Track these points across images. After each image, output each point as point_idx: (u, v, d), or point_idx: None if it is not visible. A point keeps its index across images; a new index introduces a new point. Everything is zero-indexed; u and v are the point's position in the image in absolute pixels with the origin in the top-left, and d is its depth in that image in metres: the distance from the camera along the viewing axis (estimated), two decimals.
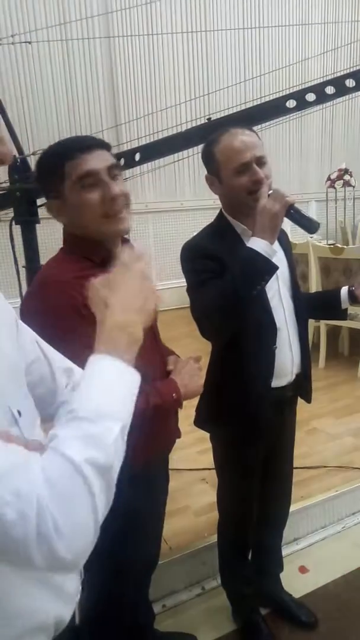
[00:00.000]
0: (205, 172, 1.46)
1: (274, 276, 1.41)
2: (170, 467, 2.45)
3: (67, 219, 1.14)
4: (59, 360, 0.86)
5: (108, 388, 0.61)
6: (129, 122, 4.88)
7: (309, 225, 1.32)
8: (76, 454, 0.54)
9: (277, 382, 1.48)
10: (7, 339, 0.72)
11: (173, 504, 2.18)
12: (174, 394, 1.19)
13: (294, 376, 1.53)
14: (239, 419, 1.49)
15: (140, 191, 5.50)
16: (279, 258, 1.41)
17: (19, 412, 0.67)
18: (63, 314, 1.03)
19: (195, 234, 1.54)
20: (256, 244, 1.29)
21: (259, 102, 3.08)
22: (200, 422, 1.62)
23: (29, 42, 3.86)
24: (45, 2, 4.85)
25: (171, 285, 5.48)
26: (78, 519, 0.54)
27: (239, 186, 1.37)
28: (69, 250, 1.18)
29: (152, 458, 1.27)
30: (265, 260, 1.29)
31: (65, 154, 1.10)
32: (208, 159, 1.43)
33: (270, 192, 1.32)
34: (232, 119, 2.79)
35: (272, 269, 1.31)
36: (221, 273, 1.34)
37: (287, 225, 1.40)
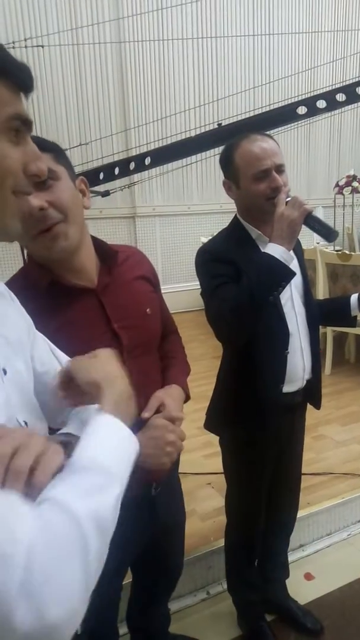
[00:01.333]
0: (222, 177, 1.46)
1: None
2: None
3: None
4: None
5: (115, 448, 0.60)
6: (138, 126, 4.92)
7: (328, 234, 1.33)
8: (79, 506, 0.50)
9: (288, 388, 1.48)
10: (20, 355, 0.73)
11: None
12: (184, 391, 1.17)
13: (304, 382, 1.53)
14: (249, 424, 1.49)
15: (148, 195, 5.53)
16: (293, 265, 1.42)
17: (25, 423, 0.68)
18: None
19: (202, 238, 1.55)
20: (274, 249, 1.30)
21: (267, 109, 3.10)
22: (210, 425, 1.62)
23: (42, 46, 3.90)
24: (58, 7, 4.90)
25: (178, 289, 5.51)
26: (69, 576, 0.47)
27: (258, 193, 1.37)
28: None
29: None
30: (282, 266, 1.29)
31: None
32: (227, 163, 1.43)
33: (289, 199, 1.33)
34: (243, 124, 2.81)
35: (289, 275, 1.32)
36: (236, 278, 1.34)
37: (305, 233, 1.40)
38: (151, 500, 1.20)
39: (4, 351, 0.68)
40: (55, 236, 0.95)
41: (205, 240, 1.56)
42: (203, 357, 3.58)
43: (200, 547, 1.98)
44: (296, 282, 1.48)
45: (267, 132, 1.46)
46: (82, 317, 1.01)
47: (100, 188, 3.46)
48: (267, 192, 1.36)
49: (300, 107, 2.79)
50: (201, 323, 4.32)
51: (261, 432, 1.50)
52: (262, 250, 1.33)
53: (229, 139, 2.92)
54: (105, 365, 0.70)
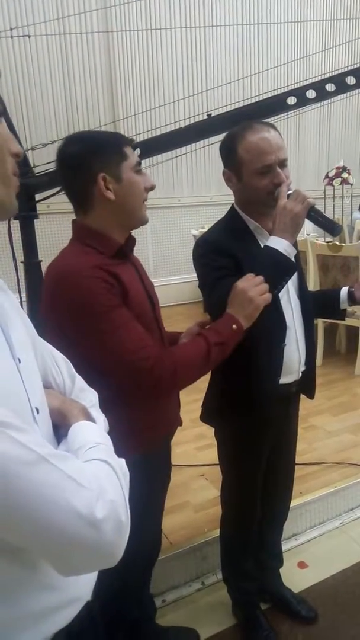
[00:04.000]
0: (223, 167, 1.44)
1: None
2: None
3: (120, 199, 1.18)
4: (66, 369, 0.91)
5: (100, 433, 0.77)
6: (127, 117, 4.87)
7: (332, 227, 1.32)
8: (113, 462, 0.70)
9: (284, 379, 1.49)
10: (30, 348, 0.77)
11: (173, 499, 2.19)
12: (233, 326, 1.22)
13: (300, 373, 1.54)
14: (246, 415, 1.50)
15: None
16: None
17: (37, 410, 0.71)
18: (95, 296, 1.08)
19: (193, 230, 1.55)
20: (277, 243, 1.29)
21: (257, 99, 3.08)
22: (206, 417, 1.63)
23: (28, 36, 3.84)
24: None
25: (169, 282, 5.50)
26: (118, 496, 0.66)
27: (260, 187, 1.36)
28: (82, 243, 1.20)
29: (154, 442, 1.29)
30: (286, 259, 1.29)
31: (122, 139, 1.21)
32: (228, 154, 1.40)
33: (290, 192, 1.32)
34: (232, 115, 2.80)
35: (293, 268, 1.32)
36: (235, 270, 1.34)
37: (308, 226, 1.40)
38: (169, 454, 1.45)
39: (18, 340, 0.72)
40: None
41: (196, 233, 1.56)
42: None
43: (194, 538, 1.99)
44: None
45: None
46: (133, 277, 1.23)
47: None
48: (270, 187, 1.35)
49: (289, 98, 2.78)
50: (193, 315, 4.31)
51: (257, 423, 1.51)
52: (265, 244, 1.32)
53: (218, 129, 2.91)
54: (55, 396, 0.82)
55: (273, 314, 1.41)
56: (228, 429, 1.61)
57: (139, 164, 1.22)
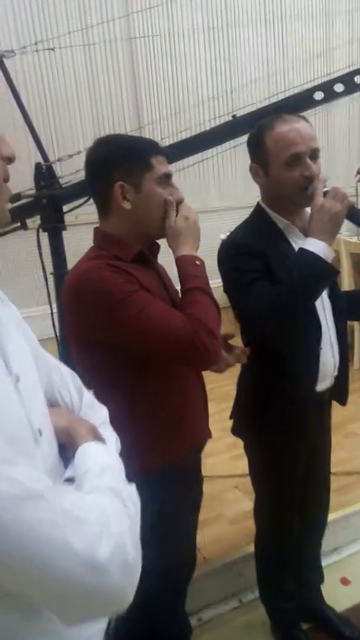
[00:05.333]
0: (249, 161, 1.38)
1: None
2: (202, 474, 2.39)
3: (138, 210, 1.15)
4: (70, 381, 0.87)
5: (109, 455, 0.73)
6: (152, 123, 4.85)
7: None
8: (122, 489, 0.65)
9: (320, 386, 1.42)
10: (31, 364, 0.73)
11: (206, 512, 2.11)
12: (196, 262, 1.17)
13: (333, 379, 1.45)
14: (283, 425, 1.43)
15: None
16: None
17: (40, 431, 0.66)
18: (112, 286, 1.06)
19: (221, 235, 1.49)
20: (315, 245, 1.22)
21: (283, 96, 3.00)
22: (237, 430, 1.56)
23: (52, 49, 3.87)
24: (68, 7, 4.86)
25: None
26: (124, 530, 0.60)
27: (289, 180, 1.29)
28: (99, 248, 1.19)
29: (182, 455, 1.23)
30: (325, 264, 1.21)
31: (151, 148, 1.16)
32: (256, 145, 1.34)
33: (326, 189, 1.24)
34: (258, 114, 2.72)
35: (332, 273, 1.24)
36: (266, 272, 1.27)
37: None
38: (199, 467, 1.40)
39: (17, 355, 0.67)
40: None
41: (224, 237, 1.50)
42: None
43: (230, 553, 1.92)
44: None
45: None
46: (155, 283, 1.19)
47: None
48: (301, 181, 1.27)
49: (317, 93, 2.68)
50: (222, 320, 4.26)
51: (292, 435, 1.44)
52: (301, 246, 1.24)
53: (244, 129, 2.83)
54: (62, 415, 0.77)
55: (306, 316, 1.33)
56: (262, 441, 1.53)
57: (168, 176, 1.18)
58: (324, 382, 1.43)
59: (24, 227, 3.38)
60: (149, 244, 1.24)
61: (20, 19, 4.74)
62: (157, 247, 1.28)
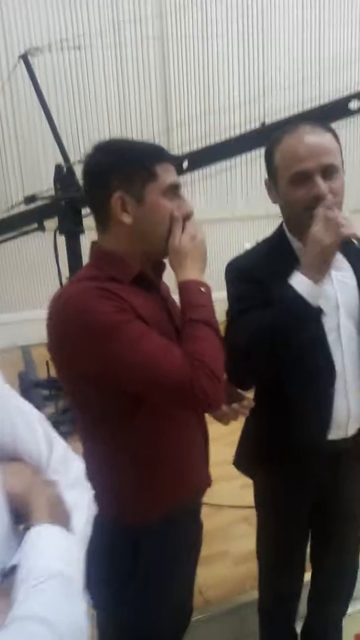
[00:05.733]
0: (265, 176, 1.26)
1: (335, 305, 1.19)
2: (209, 501, 2.24)
3: (140, 225, 1.02)
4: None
5: (63, 551, 0.60)
6: (180, 125, 4.74)
7: None
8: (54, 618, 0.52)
9: (333, 435, 1.26)
10: None
11: (210, 547, 1.97)
12: (201, 289, 1.03)
13: (351, 430, 1.28)
14: (282, 471, 1.30)
15: (191, 200, 5.33)
16: (344, 283, 1.20)
17: None
18: (102, 315, 0.93)
19: (246, 244, 1.36)
20: (298, 283, 1.07)
21: (317, 105, 2.86)
22: (239, 466, 1.42)
23: (78, 47, 3.81)
24: (100, 5, 4.79)
25: (219, 297, 5.28)
26: None
27: (293, 200, 1.14)
28: (95, 267, 1.06)
29: (174, 506, 1.09)
30: (304, 304, 1.06)
31: (158, 156, 1.04)
32: (268, 160, 1.22)
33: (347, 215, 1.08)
34: (288, 122, 2.57)
35: (312, 316, 1.09)
36: (263, 300, 1.14)
37: None
38: (198, 518, 1.25)
39: None
40: None
41: (248, 246, 1.38)
42: None
43: (234, 596, 1.77)
44: (348, 305, 1.22)
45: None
46: (155, 310, 1.06)
47: None
48: (307, 201, 1.11)
49: (352, 101, 2.53)
50: None
51: (296, 482, 1.30)
52: (288, 281, 1.10)
53: None
54: (23, 475, 0.65)
55: (318, 353, 1.19)
56: (262, 483, 1.42)
57: (176, 187, 1.05)
58: (337, 431, 1.26)
59: (41, 228, 3.32)
60: (153, 264, 1.11)
61: (50, 15, 4.68)
62: (163, 266, 1.14)
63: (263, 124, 2.64)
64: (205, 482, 1.20)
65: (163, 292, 1.15)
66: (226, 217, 5.53)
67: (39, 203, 2.98)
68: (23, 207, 3.27)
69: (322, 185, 1.10)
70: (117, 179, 1.00)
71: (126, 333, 0.93)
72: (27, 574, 0.54)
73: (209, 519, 2.09)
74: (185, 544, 1.18)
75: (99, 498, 1.04)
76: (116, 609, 1.13)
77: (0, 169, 4.70)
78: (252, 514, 2.14)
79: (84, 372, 0.98)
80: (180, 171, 3.21)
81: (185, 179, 4.10)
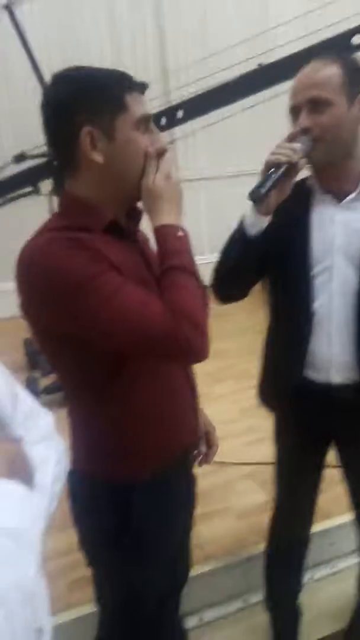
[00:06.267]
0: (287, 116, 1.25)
1: (330, 246, 1.17)
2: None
3: (112, 164, 0.93)
4: None
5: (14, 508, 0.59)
6: (178, 70, 4.49)
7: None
8: None
9: (315, 375, 1.25)
10: None
11: (212, 503, 1.99)
12: (177, 233, 0.95)
13: (336, 377, 1.24)
14: (280, 406, 1.38)
15: (191, 156, 5.13)
16: (351, 226, 1.17)
17: None
18: (72, 268, 0.86)
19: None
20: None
21: (321, 40, 2.66)
22: (259, 398, 1.43)
23: None
24: None
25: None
26: None
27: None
28: (63, 216, 0.99)
29: (160, 463, 1.06)
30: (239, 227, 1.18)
31: (126, 84, 0.93)
32: None
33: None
34: (285, 63, 2.41)
35: (236, 237, 1.19)
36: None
37: None
38: (189, 472, 1.23)
39: None
40: None
41: None
42: (247, 332, 3.27)
43: (236, 551, 1.79)
44: (350, 249, 1.18)
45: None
46: (133, 259, 1.00)
47: None
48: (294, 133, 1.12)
49: (355, 36, 2.36)
50: (253, 300, 4.00)
51: (306, 419, 1.31)
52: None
53: (274, 80, 2.54)
54: None
55: (301, 290, 1.20)
56: (277, 413, 1.43)
57: (147, 119, 0.96)
58: (319, 373, 1.24)
59: (36, 191, 3.22)
60: (128, 210, 1.03)
61: None
62: (139, 213, 1.06)
63: (260, 65, 2.48)
64: (195, 435, 1.18)
65: (140, 241, 1.08)
66: (230, 174, 5.32)
67: (30, 163, 2.87)
68: (14, 169, 3.15)
69: (301, 119, 1.11)
70: (84, 112, 0.89)
71: (101, 286, 0.86)
72: None
73: (212, 476, 2.11)
74: (178, 498, 1.16)
75: (87, 456, 1.04)
76: (110, 566, 1.13)
77: None
78: (258, 470, 2.16)
79: (59, 332, 0.92)
80: (174, 123, 3.05)
81: (185, 132, 3.92)
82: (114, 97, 0.90)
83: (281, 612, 1.59)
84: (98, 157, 0.91)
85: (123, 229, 0.99)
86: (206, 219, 5.18)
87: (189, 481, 1.25)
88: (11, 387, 0.73)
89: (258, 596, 1.75)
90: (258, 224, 1.14)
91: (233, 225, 1.23)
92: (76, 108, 0.90)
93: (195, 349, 0.89)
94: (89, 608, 1.57)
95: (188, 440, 1.15)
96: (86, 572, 1.45)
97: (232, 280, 1.25)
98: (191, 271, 0.93)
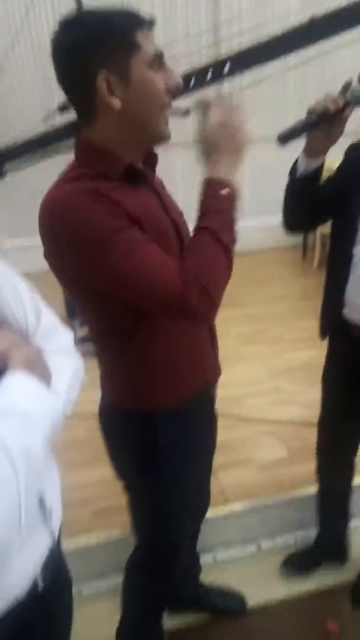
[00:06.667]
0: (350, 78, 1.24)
1: None
2: (237, 413, 2.30)
3: (130, 108, 0.91)
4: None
5: (31, 396, 0.64)
6: (230, 20, 4.30)
7: None
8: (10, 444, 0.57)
9: (351, 317, 1.34)
10: None
11: (235, 454, 2.08)
12: (221, 192, 0.93)
13: None
14: (342, 337, 1.42)
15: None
16: None
17: None
18: (93, 222, 0.87)
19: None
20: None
21: None
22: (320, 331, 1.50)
23: None
24: None
25: (265, 223, 5.04)
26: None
27: None
28: (81, 165, 0.97)
29: (190, 395, 1.14)
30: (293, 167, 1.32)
31: (135, 22, 0.90)
32: None
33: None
34: (340, 14, 2.29)
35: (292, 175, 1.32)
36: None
37: None
38: (210, 409, 1.30)
39: None
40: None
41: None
42: (282, 299, 3.27)
43: (255, 498, 1.86)
44: None
45: None
46: (150, 206, 1.00)
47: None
48: None
49: None
50: (290, 263, 3.89)
51: (342, 358, 1.43)
52: None
53: (327, 32, 2.42)
54: (5, 336, 0.69)
55: (344, 233, 1.30)
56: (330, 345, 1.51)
57: (160, 56, 0.92)
58: (354, 315, 1.33)
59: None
60: (145, 155, 1.03)
61: None
62: (155, 157, 1.06)
63: (311, 19, 2.36)
64: (215, 372, 1.23)
65: (156, 185, 1.08)
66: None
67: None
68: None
69: None
70: (98, 56, 0.87)
71: (123, 241, 0.88)
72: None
73: (236, 430, 2.18)
74: (200, 430, 1.24)
75: (115, 390, 1.12)
76: (140, 490, 1.23)
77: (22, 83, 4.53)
78: (280, 429, 2.21)
79: (83, 283, 0.96)
80: (220, 76, 2.95)
81: (234, 87, 3.79)
82: (126, 37, 0.88)
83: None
84: (116, 103, 0.90)
85: (140, 173, 1.00)
86: (249, 180, 5.08)
87: (211, 418, 1.33)
88: (35, 303, 0.78)
89: (271, 543, 1.84)
90: (305, 165, 1.25)
91: (279, 186, 1.36)
92: (90, 52, 0.88)
93: (199, 316, 0.92)
94: (110, 534, 1.70)
95: (208, 375, 1.20)
96: (110, 503, 1.54)
97: (289, 212, 1.37)
98: (219, 238, 0.91)
